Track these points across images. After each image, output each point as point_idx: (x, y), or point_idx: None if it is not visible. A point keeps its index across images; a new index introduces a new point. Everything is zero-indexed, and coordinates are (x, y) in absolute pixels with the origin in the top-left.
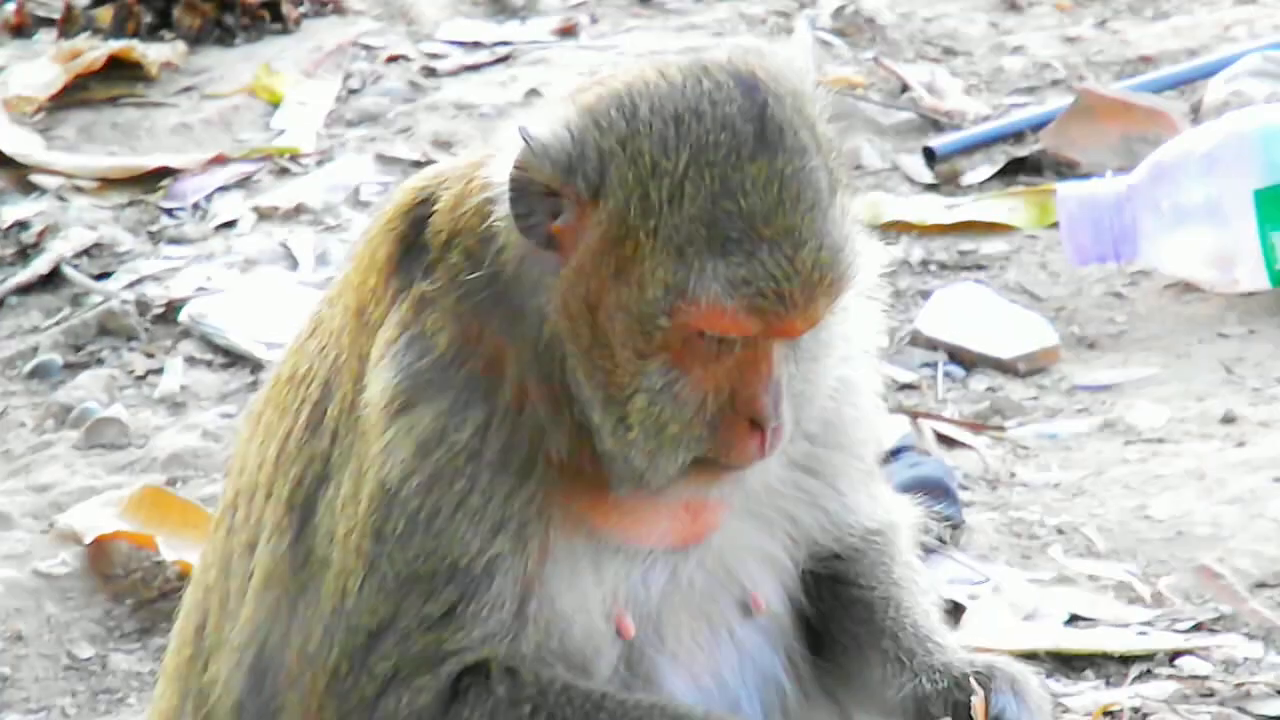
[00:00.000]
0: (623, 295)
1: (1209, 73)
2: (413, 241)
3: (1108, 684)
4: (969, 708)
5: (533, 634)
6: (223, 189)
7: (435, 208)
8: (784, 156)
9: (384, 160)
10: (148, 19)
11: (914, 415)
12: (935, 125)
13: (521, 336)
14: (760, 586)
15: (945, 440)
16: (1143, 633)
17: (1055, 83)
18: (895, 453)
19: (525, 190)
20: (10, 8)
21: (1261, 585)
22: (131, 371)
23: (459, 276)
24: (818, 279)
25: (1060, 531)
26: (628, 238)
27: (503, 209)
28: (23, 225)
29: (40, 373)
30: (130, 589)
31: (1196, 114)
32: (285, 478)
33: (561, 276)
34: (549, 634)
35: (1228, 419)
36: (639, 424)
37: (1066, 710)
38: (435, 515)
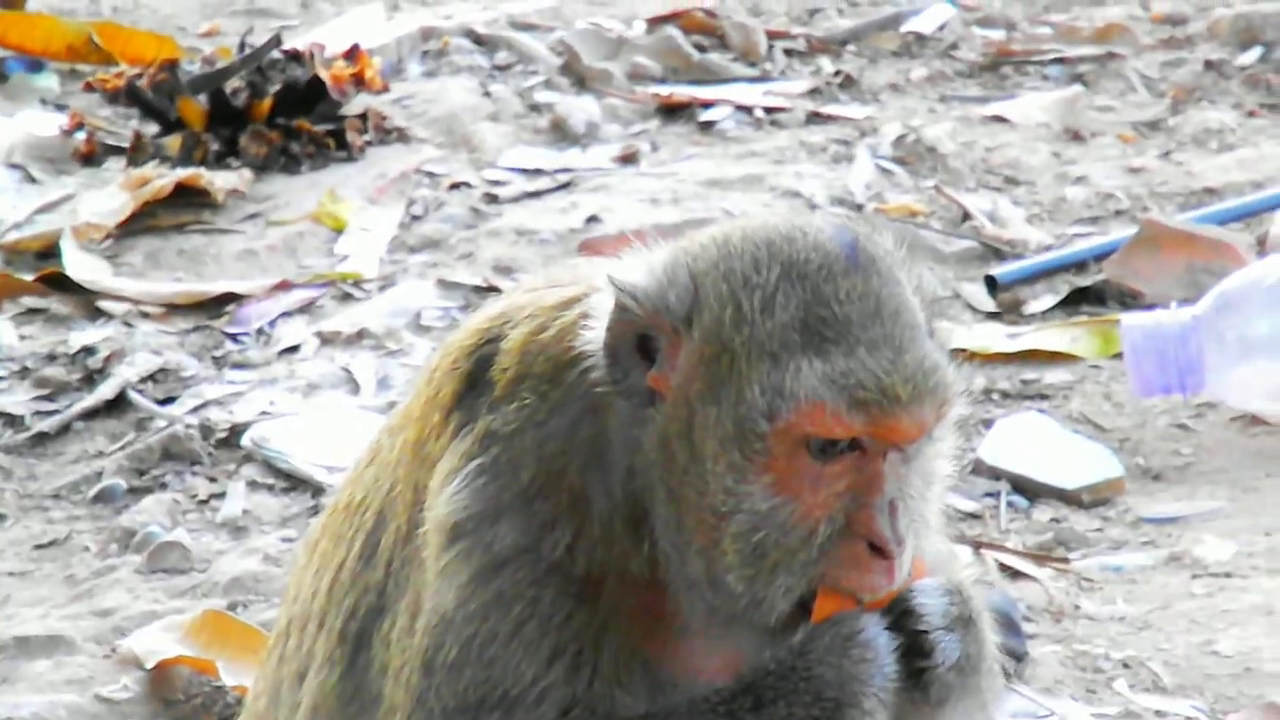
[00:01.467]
0: (721, 411)
1: (1275, 205)
2: (477, 379)
3: None
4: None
5: None
6: (286, 314)
7: (501, 346)
8: (877, 278)
9: (445, 285)
10: (215, 147)
11: (977, 546)
12: (997, 254)
13: (603, 475)
14: None
15: (1008, 571)
16: None
17: (1119, 213)
18: None
19: (619, 350)
20: (80, 137)
21: None
22: (194, 496)
23: (534, 417)
24: (921, 379)
25: (1126, 666)
26: (722, 353)
27: (598, 372)
28: (89, 350)
29: (104, 497)
30: (191, 714)
31: (1262, 246)
32: (338, 608)
33: (658, 412)
34: None
35: None
36: (736, 551)
37: None
38: (491, 642)
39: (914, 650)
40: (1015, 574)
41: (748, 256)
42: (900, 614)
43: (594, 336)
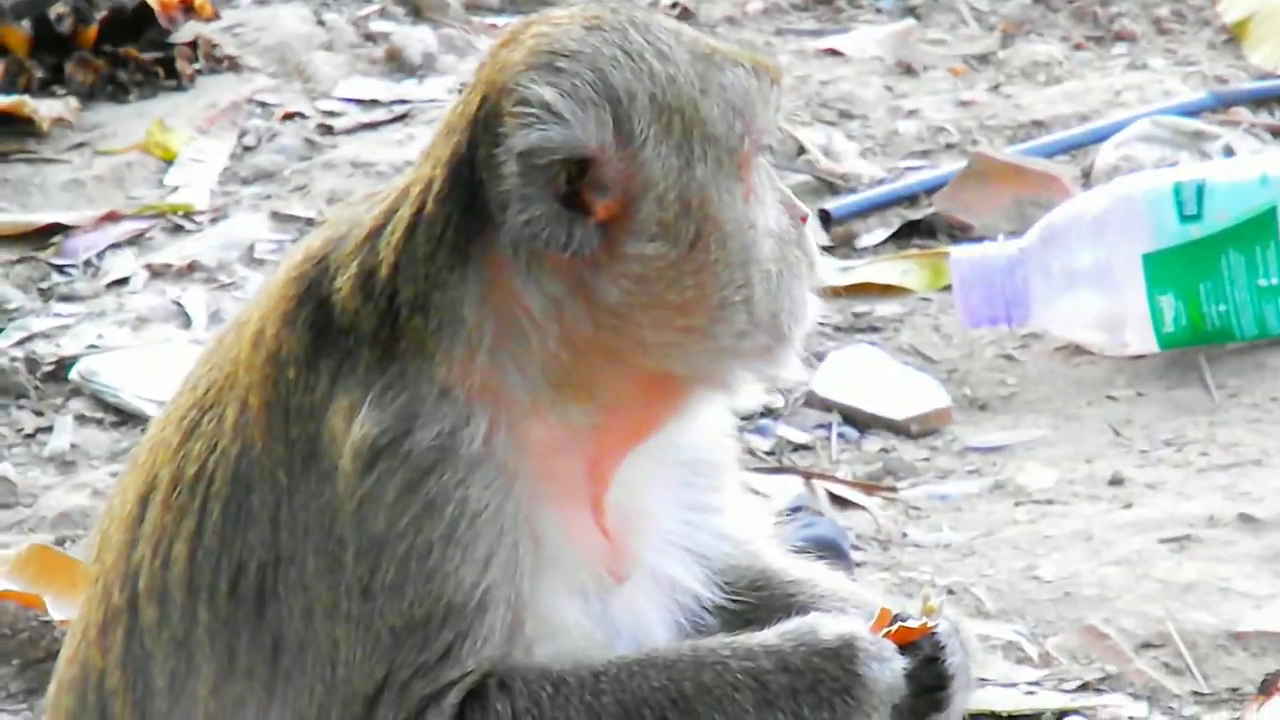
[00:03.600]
0: (708, 165)
1: (1100, 138)
2: (327, 325)
3: None
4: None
5: (524, 648)
6: (115, 246)
7: (334, 290)
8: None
9: (279, 218)
10: (40, 74)
11: (808, 476)
12: (831, 188)
13: (516, 352)
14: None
15: (839, 501)
16: (1030, 692)
17: (949, 146)
18: (789, 513)
19: (552, 211)
20: None
21: (1147, 645)
22: (20, 430)
23: (419, 328)
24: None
25: (950, 592)
26: (670, 115)
27: (513, 243)
28: None
29: None
30: (17, 649)
31: (1088, 178)
32: (215, 572)
33: (617, 243)
34: (542, 648)
35: (1115, 481)
36: (769, 271)
37: None
38: (427, 553)
39: (927, 675)
40: (845, 503)
41: (603, 43)
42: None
43: (512, 219)
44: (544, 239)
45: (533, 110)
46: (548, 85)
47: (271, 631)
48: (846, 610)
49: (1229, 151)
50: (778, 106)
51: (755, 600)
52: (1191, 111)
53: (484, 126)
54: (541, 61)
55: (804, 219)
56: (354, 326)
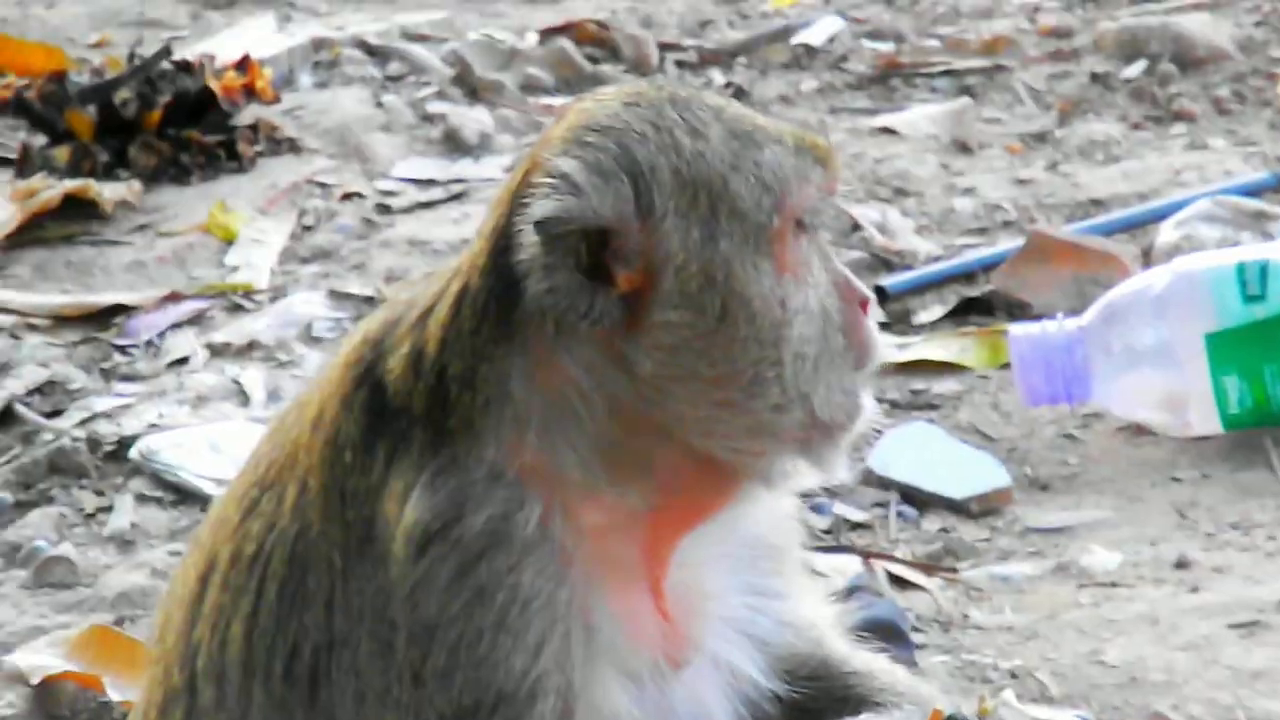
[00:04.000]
0: (733, 240)
1: (1160, 216)
2: (382, 408)
3: None
4: None
5: None
6: (176, 326)
7: (387, 371)
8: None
9: (337, 296)
10: (104, 158)
11: (866, 555)
12: (886, 265)
13: (567, 432)
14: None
15: (898, 581)
16: None
17: (1006, 224)
18: (848, 593)
19: (571, 284)
20: None
21: None
22: (81, 510)
23: (467, 404)
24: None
25: (1013, 675)
26: (694, 190)
27: (542, 324)
28: None
29: None
30: None
31: (1148, 257)
32: (271, 652)
33: (645, 316)
34: None
35: (1181, 564)
36: (803, 353)
37: None
38: (478, 640)
39: None
40: (904, 584)
41: (634, 119)
42: None
43: (534, 288)
44: (565, 308)
45: (553, 181)
46: (571, 158)
47: (324, 715)
48: (902, 705)
49: None
50: (823, 184)
51: (814, 691)
52: (1253, 191)
53: (517, 199)
54: (572, 135)
55: (864, 304)
56: (407, 407)
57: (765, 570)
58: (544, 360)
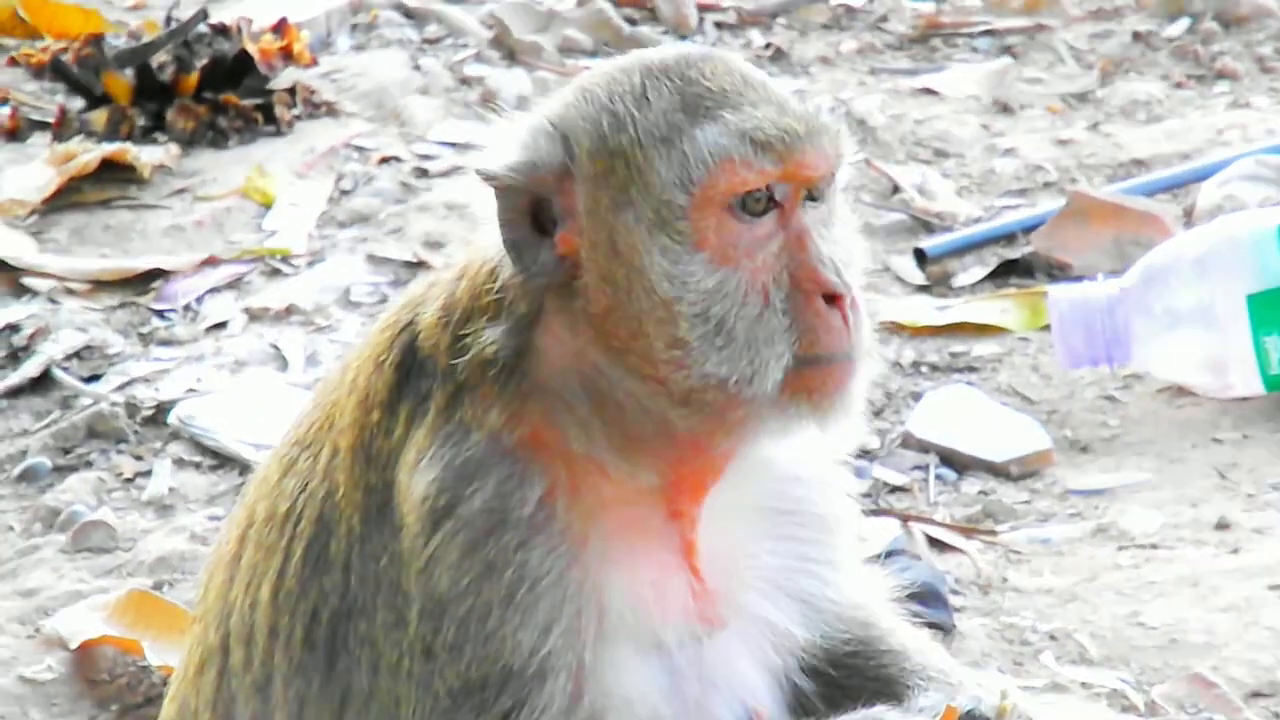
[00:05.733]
0: (637, 210)
1: (1202, 176)
2: (409, 365)
3: None
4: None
5: (586, 718)
6: (214, 290)
7: (419, 329)
8: (736, 61)
9: (375, 261)
10: (141, 122)
11: (905, 518)
12: (927, 227)
13: (562, 395)
14: (760, 698)
15: (937, 544)
16: None
17: (1047, 185)
18: (886, 556)
19: (518, 239)
20: (4, 111)
21: (1256, 695)
22: (120, 474)
23: (472, 371)
24: (813, 116)
25: (1053, 638)
26: (614, 161)
27: (505, 270)
28: (14, 328)
29: (29, 476)
30: (116, 694)
31: (1189, 218)
32: (293, 616)
33: (581, 272)
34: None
35: (1221, 525)
36: (700, 335)
37: None
38: (486, 616)
39: None
40: (944, 546)
41: (602, 80)
42: None
43: (494, 244)
44: (514, 261)
45: (504, 138)
46: (527, 115)
47: (340, 683)
48: (929, 690)
49: None
50: (773, 171)
51: (849, 666)
52: None
53: None
54: (555, 95)
55: (834, 298)
56: (432, 368)
57: (809, 538)
58: (544, 328)
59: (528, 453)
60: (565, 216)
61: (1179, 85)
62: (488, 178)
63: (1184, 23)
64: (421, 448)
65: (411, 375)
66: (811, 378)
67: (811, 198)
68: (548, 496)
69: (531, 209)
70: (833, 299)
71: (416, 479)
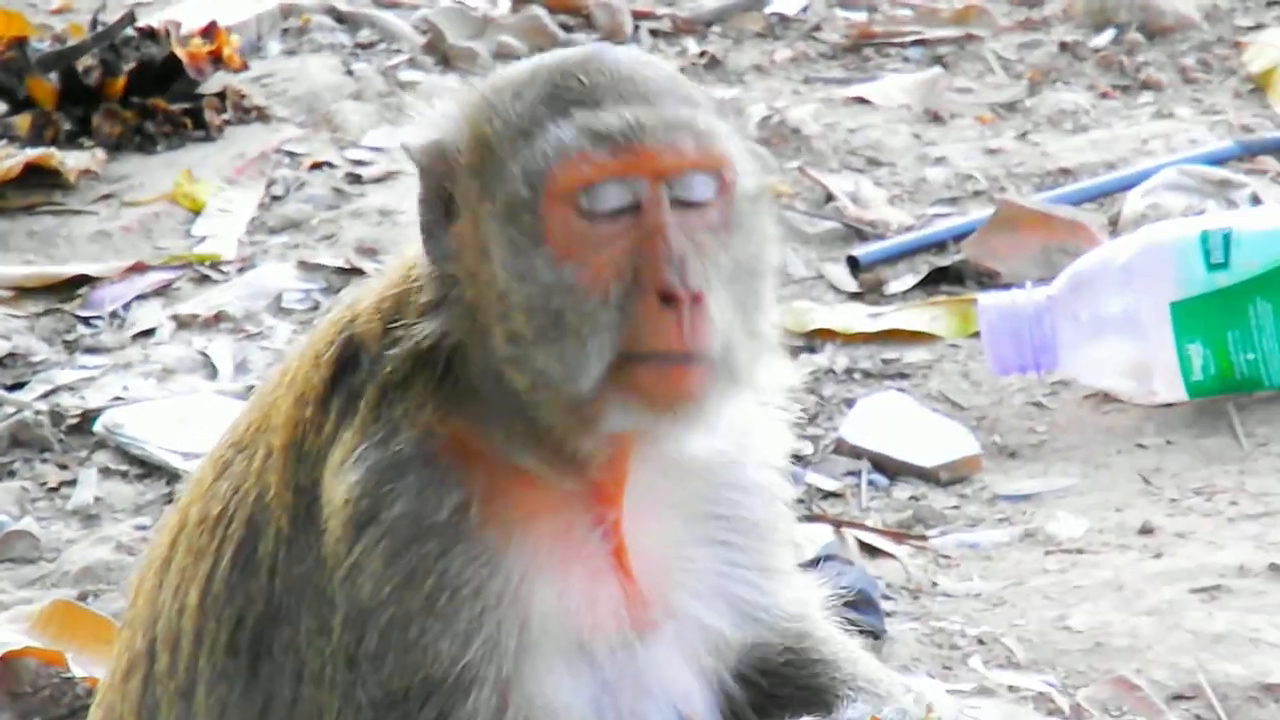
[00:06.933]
0: (495, 202)
1: (1127, 186)
2: (345, 362)
3: None
4: None
5: None
6: (141, 297)
7: (358, 325)
8: (629, 57)
9: (307, 267)
10: (67, 126)
11: (837, 524)
12: (859, 234)
13: (483, 386)
14: (693, 704)
15: (868, 549)
16: None
17: (977, 193)
18: (818, 562)
19: (431, 222)
20: None
21: (1179, 697)
22: (44, 484)
23: (408, 363)
24: (670, 112)
25: (981, 642)
26: (484, 150)
27: (423, 260)
28: None
29: None
30: (39, 707)
31: (1115, 226)
32: (218, 622)
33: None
34: None
35: (1145, 530)
36: (534, 327)
37: None
38: (408, 624)
39: None
40: (875, 552)
41: (504, 73)
42: None
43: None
44: (425, 249)
45: (428, 116)
46: (452, 98)
47: (263, 690)
48: (857, 700)
49: (1256, 200)
50: (609, 166)
51: (781, 675)
52: (1218, 160)
53: None
54: None
55: (670, 295)
56: (365, 363)
57: (744, 544)
58: (463, 320)
59: (452, 457)
60: (460, 204)
61: (1105, 95)
62: (408, 153)
63: (1110, 33)
64: (348, 448)
65: (346, 370)
66: (640, 375)
67: (685, 201)
68: (470, 503)
69: (441, 194)
70: (670, 298)
71: (340, 481)
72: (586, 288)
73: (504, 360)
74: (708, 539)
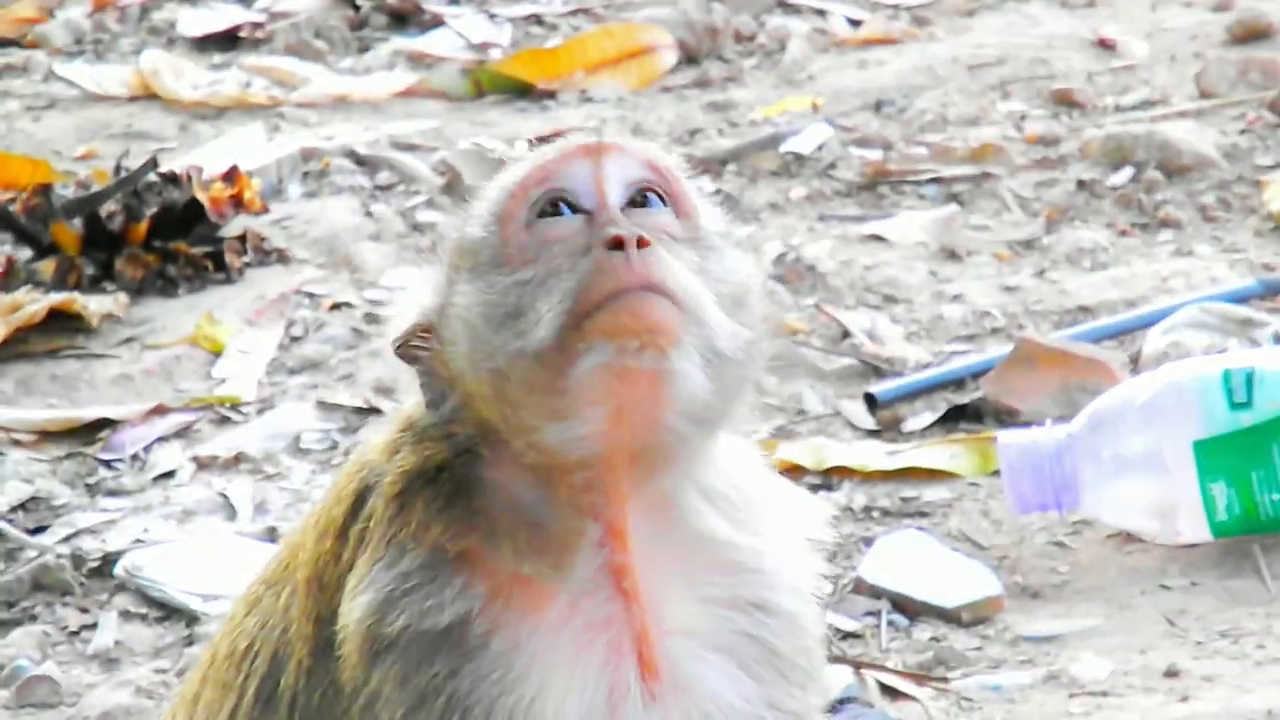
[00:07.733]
0: (468, 274)
1: (1147, 323)
2: (364, 495)
3: None
4: None
5: None
6: (162, 439)
7: (372, 462)
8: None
9: (325, 407)
10: (90, 271)
11: (857, 665)
12: (876, 371)
13: (479, 495)
14: None
15: (889, 691)
16: None
17: (995, 331)
18: (839, 704)
19: (431, 383)
20: None
21: None
22: (65, 627)
23: (417, 485)
24: (591, 136)
25: None
26: (460, 252)
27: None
28: None
29: None
30: None
31: (1135, 364)
32: None
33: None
34: None
35: (1171, 673)
36: (502, 322)
37: None
38: None
39: None
40: (896, 694)
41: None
42: None
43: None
44: (423, 392)
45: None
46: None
47: None
48: None
49: (1278, 339)
50: (532, 179)
51: None
52: (1240, 298)
53: None
54: None
55: (614, 242)
56: (379, 490)
57: (771, 680)
58: (462, 417)
59: (460, 573)
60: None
61: (1123, 233)
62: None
63: (1127, 171)
64: (361, 573)
65: (363, 501)
66: (600, 319)
67: (636, 204)
68: (476, 617)
69: (432, 373)
70: (616, 244)
71: (354, 606)
72: (541, 276)
73: (485, 398)
74: (743, 666)
